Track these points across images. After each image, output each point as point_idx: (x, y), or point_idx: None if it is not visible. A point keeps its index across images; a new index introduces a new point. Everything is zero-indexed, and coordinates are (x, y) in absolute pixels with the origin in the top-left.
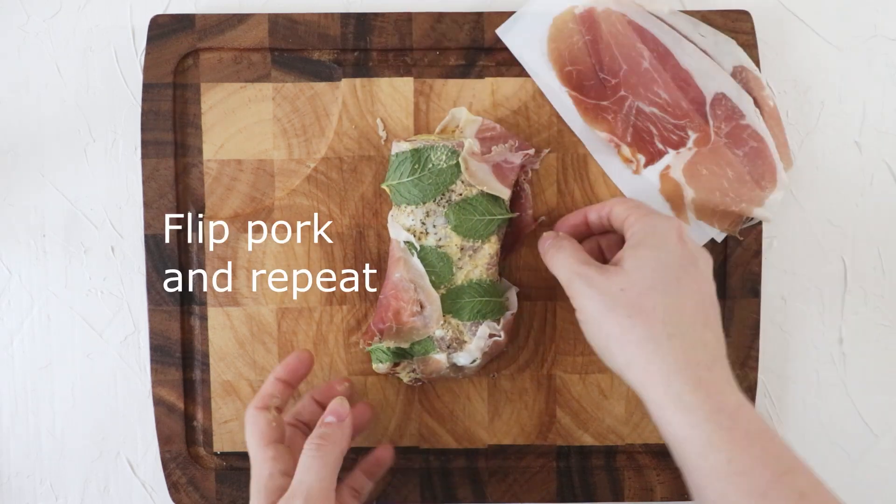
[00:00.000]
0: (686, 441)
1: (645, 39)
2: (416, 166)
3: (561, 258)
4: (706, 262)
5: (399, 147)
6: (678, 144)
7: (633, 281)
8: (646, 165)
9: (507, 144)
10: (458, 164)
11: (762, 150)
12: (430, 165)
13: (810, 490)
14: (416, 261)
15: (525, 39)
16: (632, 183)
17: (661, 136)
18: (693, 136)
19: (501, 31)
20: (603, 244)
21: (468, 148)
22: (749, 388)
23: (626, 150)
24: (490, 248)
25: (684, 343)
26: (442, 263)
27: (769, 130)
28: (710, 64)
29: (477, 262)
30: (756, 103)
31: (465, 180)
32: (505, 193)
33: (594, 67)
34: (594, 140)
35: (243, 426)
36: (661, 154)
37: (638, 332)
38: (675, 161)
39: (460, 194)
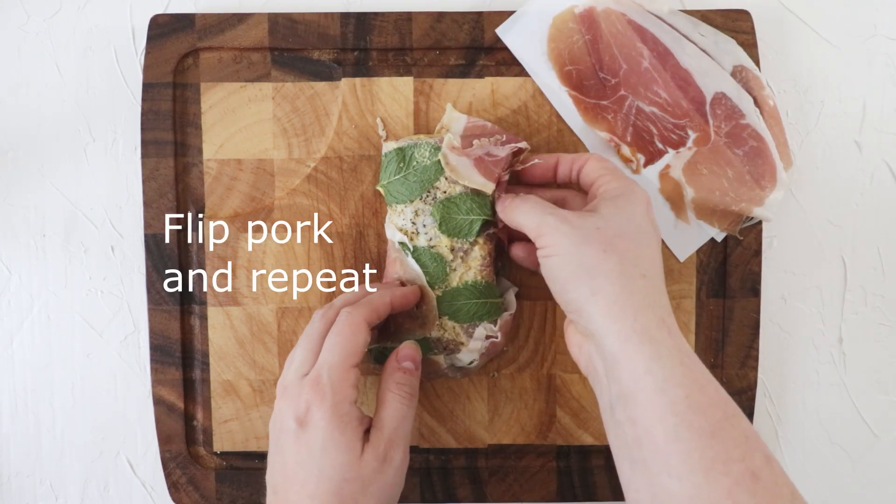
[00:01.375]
0: (647, 375)
1: (645, 39)
2: (402, 164)
3: (528, 206)
4: (659, 240)
5: (387, 147)
6: (678, 144)
7: (608, 224)
8: (645, 165)
9: (493, 139)
10: (440, 161)
11: (762, 149)
12: (415, 163)
13: (752, 435)
14: (411, 261)
15: (525, 39)
16: None
17: (660, 136)
18: (693, 135)
19: (501, 31)
20: (567, 196)
21: (447, 142)
22: (749, 388)
23: (626, 150)
24: (480, 249)
25: (653, 286)
26: (435, 264)
27: (769, 130)
28: (710, 63)
29: (470, 265)
30: (756, 103)
31: (448, 177)
32: (488, 188)
33: (594, 67)
34: (594, 140)
35: (244, 425)
36: (660, 154)
37: (612, 265)
38: (674, 160)
39: (444, 192)
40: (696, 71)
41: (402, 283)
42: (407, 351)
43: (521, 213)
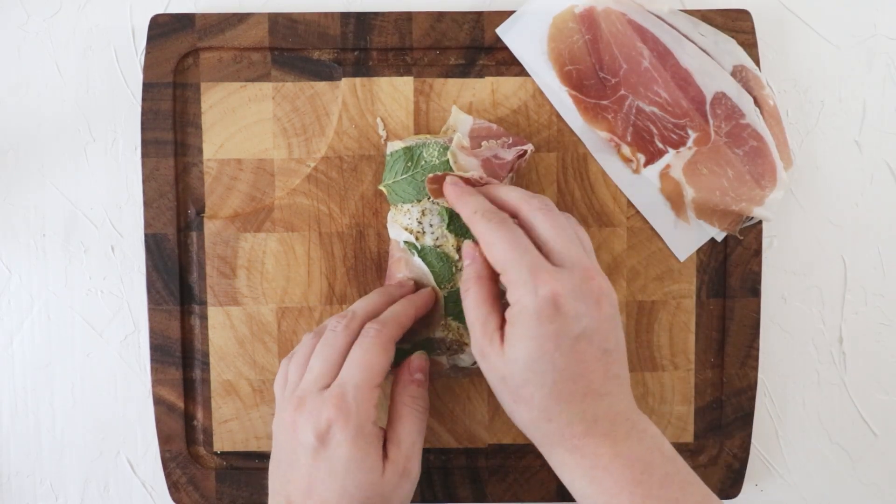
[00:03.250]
0: (570, 488)
1: (645, 39)
2: (409, 164)
3: (466, 305)
4: (597, 310)
5: (393, 146)
6: (678, 144)
7: (511, 371)
8: (646, 165)
9: (500, 141)
10: (449, 160)
11: (762, 149)
12: (423, 162)
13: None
14: (417, 260)
15: (525, 39)
16: (632, 182)
17: (660, 136)
18: (693, 135)
19: (501, 31)
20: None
21: (457, 142)
22: (749, 388)
23: (626, 150)
24: None
25: (560, 423)
26: (441, 264)
27: (769, 130)
28: (710, 63)
29: None
30: (756, 102)
31: None
32: None
33: (594, 67)
34: (594, 139)
35: (244, 425)
36: (661, 153)
37: (523, 416)
38: (675, 160)
39: None
40: (697, 71)
41: (404, 283)
42: (418, 362)
43: (465, 304)
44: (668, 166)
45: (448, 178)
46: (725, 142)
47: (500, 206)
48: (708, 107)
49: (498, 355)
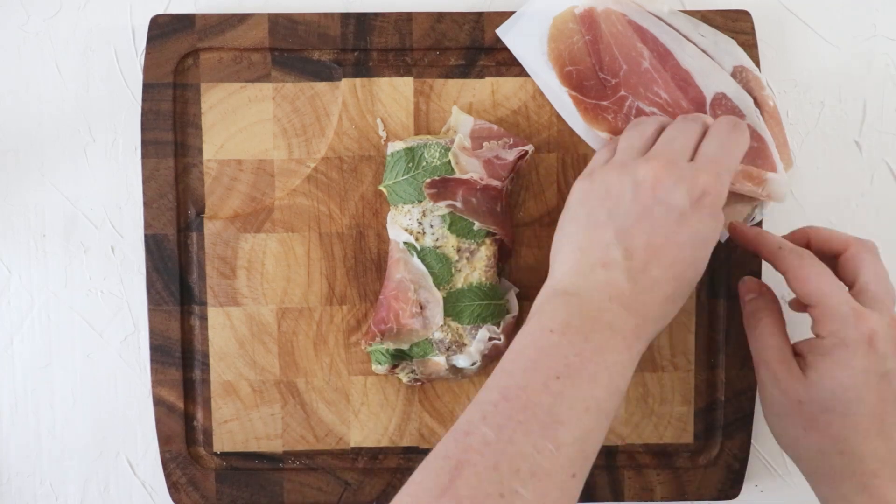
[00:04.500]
0: None
1: (645, 39)
2: (411, 165)
3: (756, 335)
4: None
5: (394, 147)
6: None
7: (811, 397)
8: None
9: (501, 142)
10: (451, 161)
11: (762, 149)
12: (424, 163)
13: None
14: (416, 261)
15: (525, 39)
16: None
17: None
18: None
19: (501, 31)
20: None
21: (458, 143)
22: (749, 389)
23: None
24: (486, 250)
25: (853, 458)
26: (440, 265)
27: (769, 130)
28: (710, 64)
29: (475, 265)
30: (756, 103)
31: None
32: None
33: (594, 67)
34: (596, 139)
35: (244, 425)
36: None
37: (811, 443)
38: None
39: None
40: (697, 71)
41: (405, 283)
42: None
43: (749, 335)
44: None
45: (732, 222)
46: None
47: (827, 242)
48: (708, 107)
49: (798, 379)
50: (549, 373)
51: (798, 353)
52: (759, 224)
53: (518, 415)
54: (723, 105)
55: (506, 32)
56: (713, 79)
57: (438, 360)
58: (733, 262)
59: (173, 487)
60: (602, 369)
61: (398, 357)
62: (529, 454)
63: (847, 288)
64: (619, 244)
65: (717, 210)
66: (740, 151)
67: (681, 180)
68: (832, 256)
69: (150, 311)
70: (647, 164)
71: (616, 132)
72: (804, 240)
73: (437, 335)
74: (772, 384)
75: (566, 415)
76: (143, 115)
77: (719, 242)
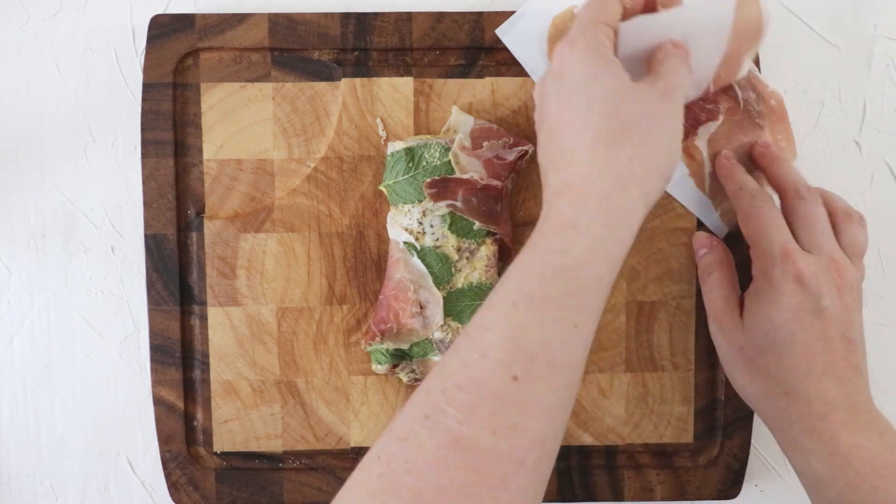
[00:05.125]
0: (801, 476)
1: None
2: (411, 164)
3: (707, 288)
4: (838, 297)
5: (394, 147)
6: (710, 116)
7: (748, 341)
8: (683, 140)
9: (501, 141)
10: (451, 161)
11: (783, 115)
12: (424, 163)
13: None
14: (416, 261)
15: (525, 40)
16: None
17: (691, 111)
18: (724, 106)
19: (501, 32)
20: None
21: (458, 142)
22: None
23: None
24: (486, 250)
25: (797, 400)
26: (440, 265)
27: (772, 126)
28: None
29: (475, 265)
30: (761, 100)
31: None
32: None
33: None
34: None
35: (244, 425)
36: (693, 129)
37: (756, 388)
38: (702, 131)
39: None
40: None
41: (405, 283)
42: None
43: (702, 284)
44: (693, 139)
45: (724, 152)
46: (752, 113)
47: (775, 182)
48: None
49: (737, 326)
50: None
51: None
52: None
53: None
54: (747, 75)
55: (505, 33)
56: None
57: (438, 360)
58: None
59: (173, 487)
60: (535, 260)
61: (398, 357)
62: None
63: (790, 232)
64: (539, 149)
65: (582, 55)
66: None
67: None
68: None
69: (150, 311)
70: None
71: None
72: (782, 181)
73: (438, 335)
74: (718, 334)
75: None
76: (143, 114)
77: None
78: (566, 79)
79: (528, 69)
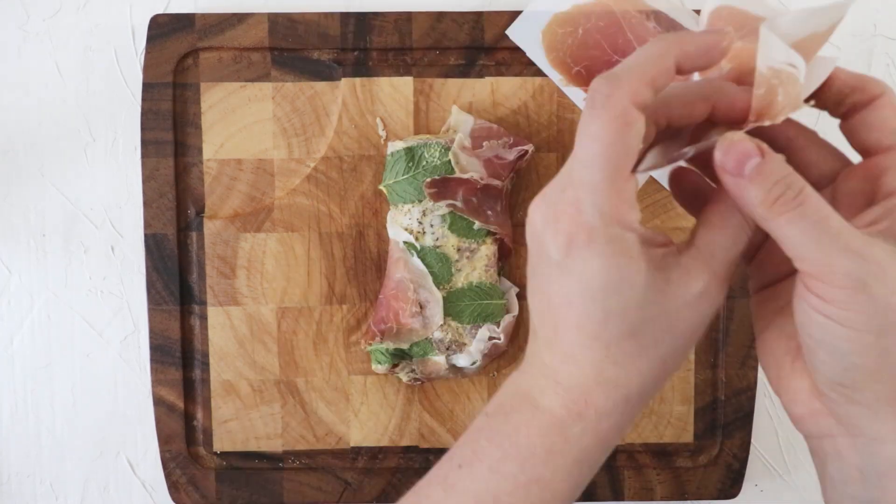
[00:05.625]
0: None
1: (658, 19)
2: (411, 164)
3: (806, 221)
4: None
5: (394, 146)
6: None
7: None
8: None
9: (501, 141)
10: (451, 160)
11: None
12: (424, 163)
13: None
14: (416, 261)
15: (535, 39)
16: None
17: None
18: None
19: (511, 32)
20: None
21: (458, 142)
22: (749, 388)
23: None
24: (486, 249)
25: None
26: (440, 264)
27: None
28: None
29: (475, 265)
30: None
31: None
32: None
33: (601, 55)
34: None
35: (244, 425)
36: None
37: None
38: None
39: None
40: None
41: (404, 283)
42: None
43: (792, 223)
44: None
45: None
46: None
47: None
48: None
49: (890, 280)
50: (453, 462)
51: None
52: None
53: None
54: None
55: (516, 34)
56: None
57: (438, 360)
58: None
59: (173, 487)
60: (510, 457)
61: (398, 357)
62: None
63: None
64: (532, 325)
65: (595, 243)
66: (605, 143)
67: (549, 228)
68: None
69: (150, 310)
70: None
71: None
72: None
73: (437, 335)
74: (862, 293)
75: None
76: (142, 114)
77: None
78: (575, 275)
79: (543, 68)
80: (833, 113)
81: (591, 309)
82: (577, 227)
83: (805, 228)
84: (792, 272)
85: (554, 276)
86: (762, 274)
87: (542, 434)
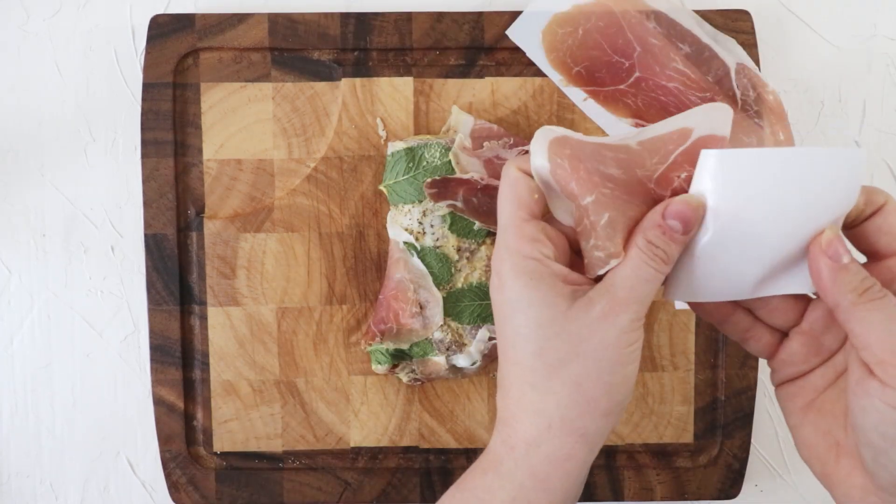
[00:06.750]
0: None
1: (659, 19)
2: (411, 164)
3: (884, 315)
4: None
5: (394, 147)
6: None
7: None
8: None
9: (501, 141)
10: (451, 161)
11: (783, 117)
12: (425, 163)
13: None
14: (416, 261)
15: (535, 39)
16: None
17: (689, 109)
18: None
19: (511, 32)
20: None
21: (458, 143)
22: (749, 388)
23: None
24: (487, 250)
25: None
26: (440, 265)
27: (771, 126)
28: (727, 39)
29: (475, 265)
30: (758, 99)
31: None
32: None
33: (602, 55)
34: (621, 131)
35: (244, 425)
36: None
37: None
38: None
39: None
40: (716, 45)
41: (404, 283)
42: (681, 208)
43: (878, 310)
44: None
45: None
46: (749, 113)
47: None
48: (733, 77)
49: None
50: None
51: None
52: None
53: None
54: (745, 74)
55: (515, 34)
56: (732, 51)
57: (438, 360)
58: None
59: (173, 487)
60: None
61: (398, 357)
62: None
63: None
64: None
65: (513, 273)
66: (511, 200)
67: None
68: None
69: (150, 310)
70: None
71: (638, 115)
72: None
73: (437, 335)
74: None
75: None
76: (142, 114)
77: None
78: (505, 293)
79: (542, 68)
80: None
81: (506, 330)
82: (495, 261)
83: (888, 317)
84: (814, 367)
85: (496, 304)
86: (784, 368)
87: (483, 475)
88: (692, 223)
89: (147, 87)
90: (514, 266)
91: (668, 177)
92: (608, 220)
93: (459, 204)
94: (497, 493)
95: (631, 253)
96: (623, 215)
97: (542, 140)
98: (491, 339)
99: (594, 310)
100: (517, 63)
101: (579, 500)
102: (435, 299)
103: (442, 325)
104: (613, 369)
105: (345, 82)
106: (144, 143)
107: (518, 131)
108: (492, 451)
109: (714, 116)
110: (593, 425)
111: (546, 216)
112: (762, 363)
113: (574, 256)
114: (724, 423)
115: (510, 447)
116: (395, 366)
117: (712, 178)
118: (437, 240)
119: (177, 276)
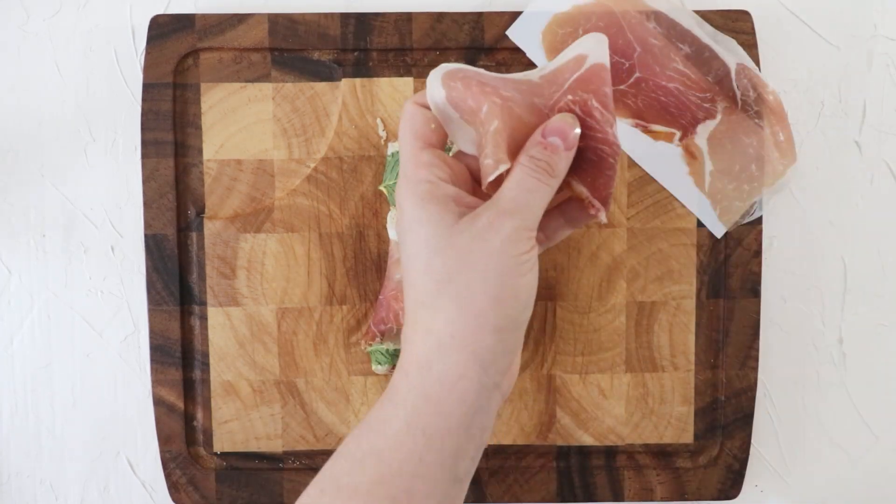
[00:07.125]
0: None
1: (659, 19)
2: None
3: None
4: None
5: (394, 147)
6: (708, 115)
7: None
8: (682, 138)
9: None
10: None
11: (782, 118)
12: None
13: None
14: None
15: (535, 39)
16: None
17: (688, 109)
18: (721, 105)
19: (511, 33)
20: None
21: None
22: (749, 388)
23: (658, 127)
24: None
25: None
26: None
27: (771, 126)
28: (727, 39)
29: None
30: (759, 99)
31: None
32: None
33: None
34: (623, 129)
35: (244, 425)
36: (693, 125)
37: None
38: (701, 129)
39: None
40: (716, 45)
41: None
42: (559, 125)
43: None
44: (693, 137)
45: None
46: (749, 113)
47: None
48: (734, 74)
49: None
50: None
51: None
52: (759, 220)
53: None
54: (746, 74)
55: (515, 34)
56: (732, 52)
57: None
58: (732, 262)
59: (173, 487)
60: (354, 435)
61: (398, 357)
62: None
63: None
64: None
65: (408, 197)
66: (408, 131)
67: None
68: None
69: (150, 311)
70: None
71: (639, 116)
72: None
73: None
74: None
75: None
76: (143, 115)
77: (718, 238)
78: (402, 220)
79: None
80: None
81: (403, 255)
82: (396, 194)
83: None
84: None
85: (399, 233)
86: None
87: (381, 406)
88: (571, 139)
89: (147, 88)
90: (409, 191)
91: (561, 102)
92: (496, 127)
93: None
94: (391, 422)
95: (514, 168)
96: (512, 127)
97: (438, 73)
98: None
99: (479, 221)
100: (517, 63)
101: (579, 501)
102: None
103: None
104: (501, 280)
105: (345, 82)
106: (144, 143)
107: None
108: (391, 382)
109: (601, 45)
110: (483, 342)
111: (456, 154)
112: (762, 363)
113: (478, 188)
114: (725, 423)
115: (405, 373)
116: (394, 366)
117: None
118: None
119: (177, 276)
